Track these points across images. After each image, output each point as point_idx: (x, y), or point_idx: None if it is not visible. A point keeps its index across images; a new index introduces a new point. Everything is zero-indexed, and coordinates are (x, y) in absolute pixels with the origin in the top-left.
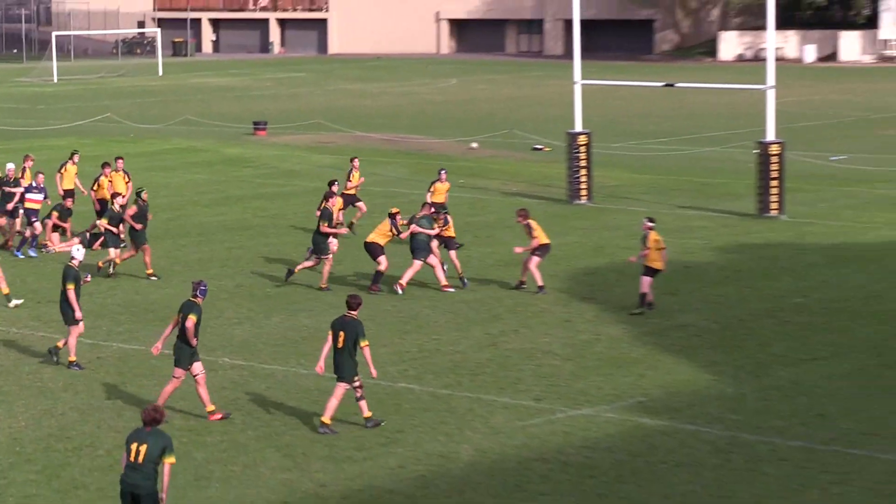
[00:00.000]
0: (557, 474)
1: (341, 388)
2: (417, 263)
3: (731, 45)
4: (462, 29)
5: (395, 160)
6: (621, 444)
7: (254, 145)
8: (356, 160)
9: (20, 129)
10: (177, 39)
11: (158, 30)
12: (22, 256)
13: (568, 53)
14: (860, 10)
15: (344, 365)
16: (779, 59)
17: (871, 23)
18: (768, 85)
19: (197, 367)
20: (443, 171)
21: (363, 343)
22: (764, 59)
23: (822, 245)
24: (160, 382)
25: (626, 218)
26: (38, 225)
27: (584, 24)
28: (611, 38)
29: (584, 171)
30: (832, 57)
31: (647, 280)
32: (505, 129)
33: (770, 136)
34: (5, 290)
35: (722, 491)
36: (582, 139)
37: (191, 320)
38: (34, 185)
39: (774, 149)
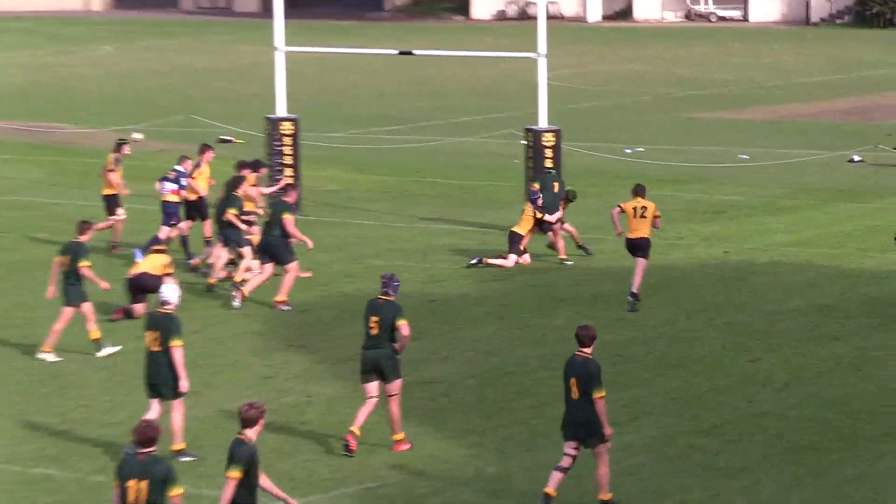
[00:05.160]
0: None
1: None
2: None
3: None
4: None
5: (26, 157)
6: None
7: None
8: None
9: None
10: None
11: None
12: None
13: (267, 10)
14: None
15: None
16: (553, 18)
17: None
18: (539, 52)
19: None
20: None
21: None
22: (533, 18)
23: (612, 269)
24: None
25: (344, 231)
26: None
27: None
28: None
29: (289, 171)
30: (625, 14)
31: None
32: (180, 113)
33: (542, 121)
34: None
35: None
36: (286, 127)
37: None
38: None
39: (548, 138)
